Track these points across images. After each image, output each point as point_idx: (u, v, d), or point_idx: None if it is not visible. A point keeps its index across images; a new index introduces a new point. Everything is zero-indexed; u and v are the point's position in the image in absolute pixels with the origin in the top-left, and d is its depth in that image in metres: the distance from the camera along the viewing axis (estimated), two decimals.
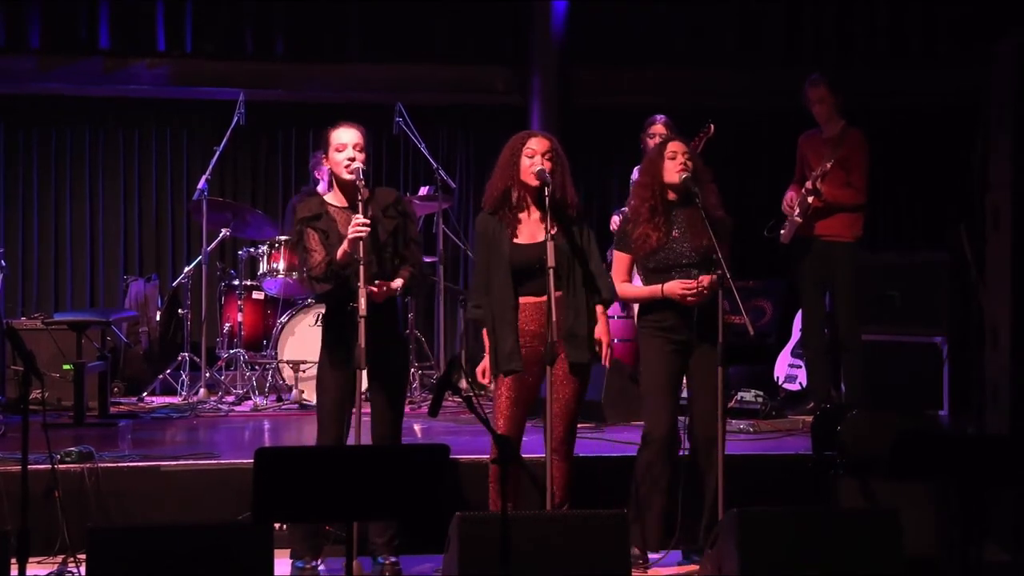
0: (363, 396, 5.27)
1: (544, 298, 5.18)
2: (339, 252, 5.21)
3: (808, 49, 9.87)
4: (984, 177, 6.13)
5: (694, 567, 5.37)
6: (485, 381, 5.42)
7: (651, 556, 5.45)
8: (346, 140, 5.32)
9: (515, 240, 5.32)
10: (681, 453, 5.51)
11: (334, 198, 5.45)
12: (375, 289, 5.17)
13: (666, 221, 5.44)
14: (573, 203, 5.39)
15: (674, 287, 5.33)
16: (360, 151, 5.31)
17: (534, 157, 5.28)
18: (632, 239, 5.47)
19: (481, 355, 5.46)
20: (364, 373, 5.19)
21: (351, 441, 5.25)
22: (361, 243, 5.13)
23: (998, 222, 5.97)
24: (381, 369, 5.31)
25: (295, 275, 8.09)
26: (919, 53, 9.82)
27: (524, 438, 5.48)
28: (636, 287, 5.57)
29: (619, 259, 5.56)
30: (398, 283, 5.30)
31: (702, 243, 5.39)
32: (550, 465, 5.19)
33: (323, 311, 5.68)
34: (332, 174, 5.44)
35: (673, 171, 5.44)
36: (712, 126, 7.19)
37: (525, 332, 5.29)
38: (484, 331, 5.38)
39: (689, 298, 5.31)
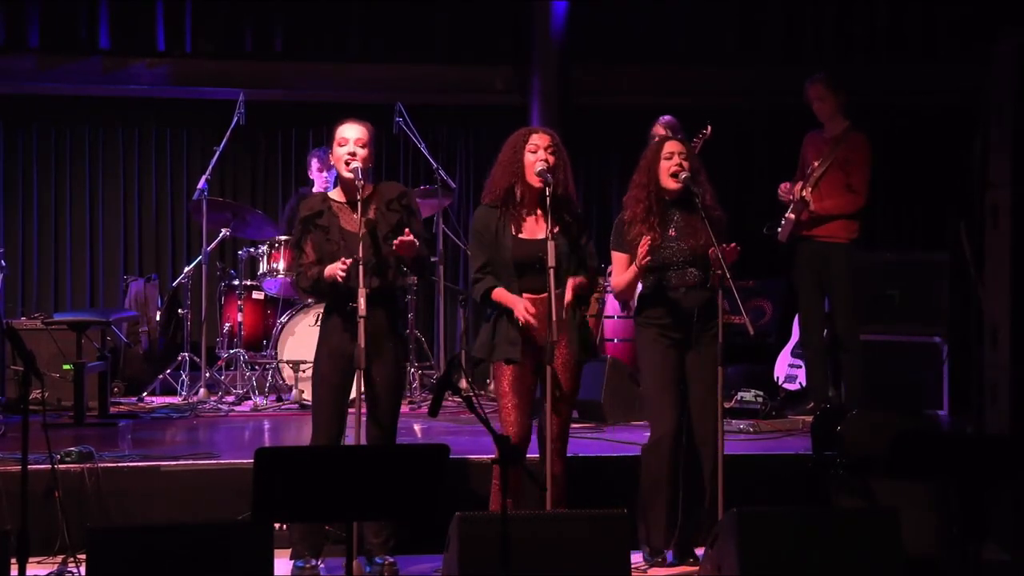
0: (361, 396, 5.27)
1: (543, 295, 5.19)
2: (326, 273, 5.23)
3: (808, 48, 9.87)
4: (983, 176, 6.13)
5: (694, 568, 5.38)
6: (532, 312, 5.17)
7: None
8: (347, 135, 5.32)
9: (518, 235, 5.31)
10: None
11: (337, 194, 5.46)
12: (402, 240, 5.14)
13: (662, 221, 5.44)
14: (574, 199, 5.41)
15: (638, 254, 5.27)
16: (362, 147, 5.30)
17: (537, 152, 5.28)
18: (628, 239, 5.47)
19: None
20: (361, 373, 5.18)
21: (350, 441, 5.25)
22: (361, 244, 5.14)
23: (997, 221, 5.97)
24: (377, 368, 5.30)
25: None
26: (919, 52, 9.82)
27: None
28: (625, 274, 5.48)
29: (618, 259, 5.55)
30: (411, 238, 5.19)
31: (698, 243, 5.41)
32: (550, 464, 5.20)
33: (323, 309, 5.67)
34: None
35: (668, 171, 5.44)
36: (710, 128, 7.19)
37: (525, 326, 5.28)
38: (496, 294, 5.26)
39: (643, 257, 5.23)
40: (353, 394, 5.45)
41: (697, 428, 5.46)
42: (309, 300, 8.07)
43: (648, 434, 5.53)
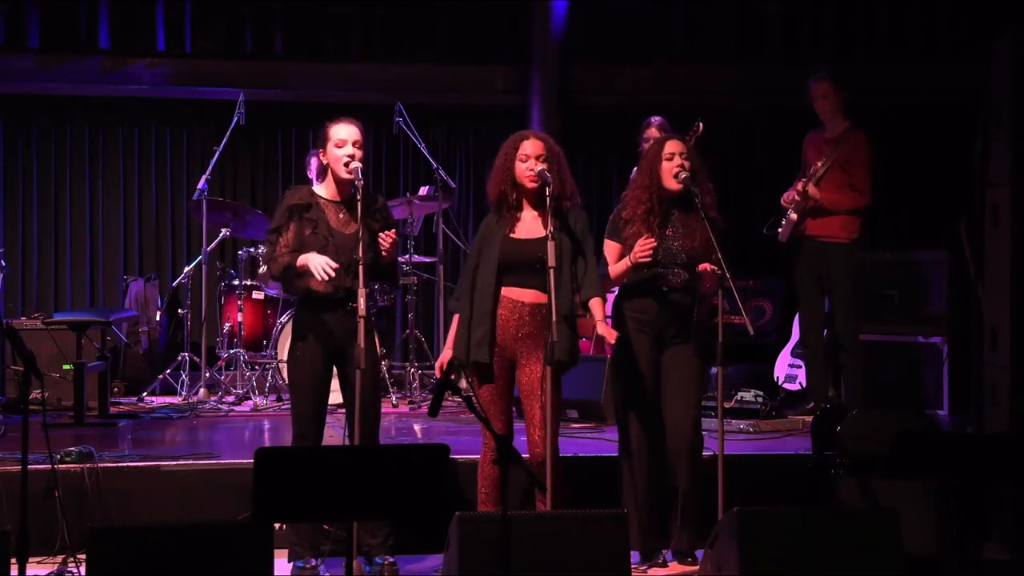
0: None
1: (527, 292, 5.22)
2: (299, 262, 5.20)
3: (808, 46, 9.86)
4: (983, 174, 6.13)
5: (693, 568, 5.38)
6: (438, 374, 5.33)
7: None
8: (346, 136, 5.31)
9: (509, 235, 5.31)
10: None
11: (324, 190, 5.44)
12: (386, 243, 5.21)
13: (661, 222, 5.45)
14: (573, 194, 5.39)
15: (635, 250, 5.29)
16: (359, 148, 5.31)
17: (527, 162, 5.28)
18: (625, 236, 5.47)
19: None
20: (359, 373, 5.16)
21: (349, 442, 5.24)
22: (361, 244, 5.13)
23: (997, 220, 5.97)
24: (351, 362, 5.24)
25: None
26: (919, 50, 9.81)
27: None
28: (617, 265, 5.49)
29: (610, 248, 5.55)
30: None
31: (694, 243, 5.42)
32: (550, 465, 5.20)
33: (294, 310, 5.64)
34: (327, 167, 5.41)
35: (670, 172, 5.45)
36: (701, 124, 7.15)
37: (500, 325, 5.27)
38: (454, 321, 5.34)
39: (640, 255, 5.26)
40: (336, 398, 5.46)
41: (671, 430, 5.45)
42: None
43: (624, 432, 5.50)
